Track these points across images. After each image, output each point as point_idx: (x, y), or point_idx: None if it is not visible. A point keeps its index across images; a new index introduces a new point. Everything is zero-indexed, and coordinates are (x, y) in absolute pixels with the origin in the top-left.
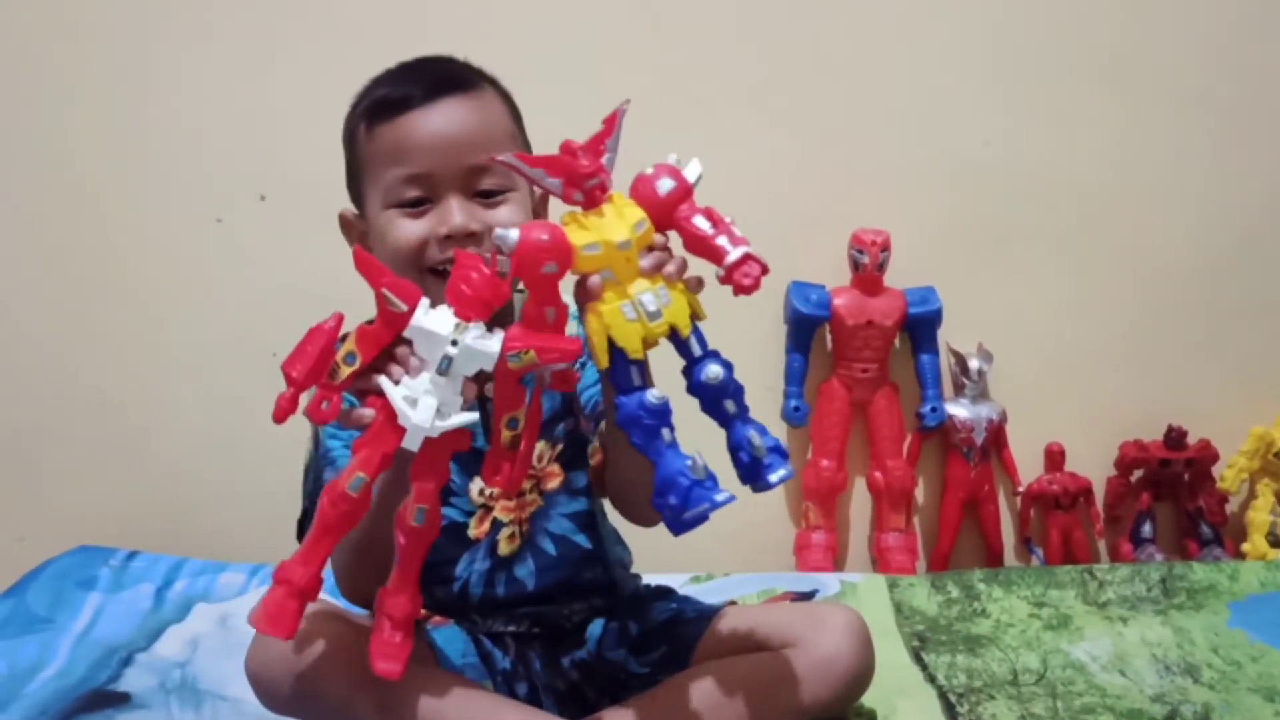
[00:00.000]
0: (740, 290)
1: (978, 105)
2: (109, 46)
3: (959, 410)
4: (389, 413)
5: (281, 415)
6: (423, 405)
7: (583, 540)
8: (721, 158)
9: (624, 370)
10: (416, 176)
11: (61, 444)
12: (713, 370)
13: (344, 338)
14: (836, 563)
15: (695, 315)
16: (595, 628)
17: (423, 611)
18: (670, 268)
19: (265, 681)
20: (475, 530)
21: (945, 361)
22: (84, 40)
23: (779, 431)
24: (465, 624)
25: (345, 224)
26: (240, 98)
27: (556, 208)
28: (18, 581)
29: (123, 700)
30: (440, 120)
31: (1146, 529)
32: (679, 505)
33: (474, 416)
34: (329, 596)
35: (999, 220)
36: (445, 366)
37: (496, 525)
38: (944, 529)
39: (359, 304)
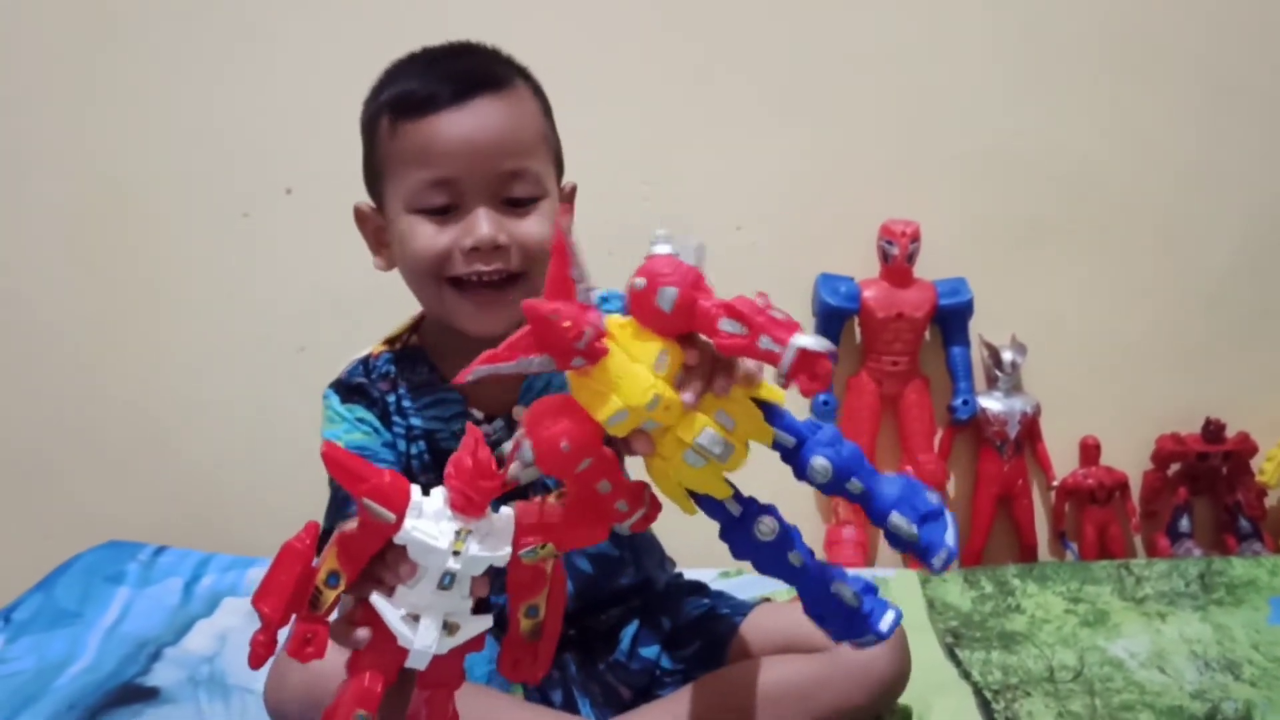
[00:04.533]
0: (809, 392)
1: (1010, 95)
2: (136, 43)
3: (992, 403)
4: (386, 629)
5: (258, 661)
6: (425, 625)
7: (618, 551)
8: (750, 149)
9: (717, 508)
10: (443, 181)
11: (89, 439)
12: (819, 462)
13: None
14: (868, 558)
15: (771, 403)
16: (630, 628)
17: None
18: (719, 384)
19: (285, 712)
20: None
21: (978, 354)
22: (111, 37)
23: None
24: (495, 631)
25: (361, 217)
26: (266, 91)
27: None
28: (46, 576)
29: (152, 694)
30: (471, 123)
31: (1184, 523)
32: (844, 634)
33: (487, 623)
34: None
35: (1032, 210)
36: (448, 582)
37: None
38: (977, 524)
39: (384, 299)
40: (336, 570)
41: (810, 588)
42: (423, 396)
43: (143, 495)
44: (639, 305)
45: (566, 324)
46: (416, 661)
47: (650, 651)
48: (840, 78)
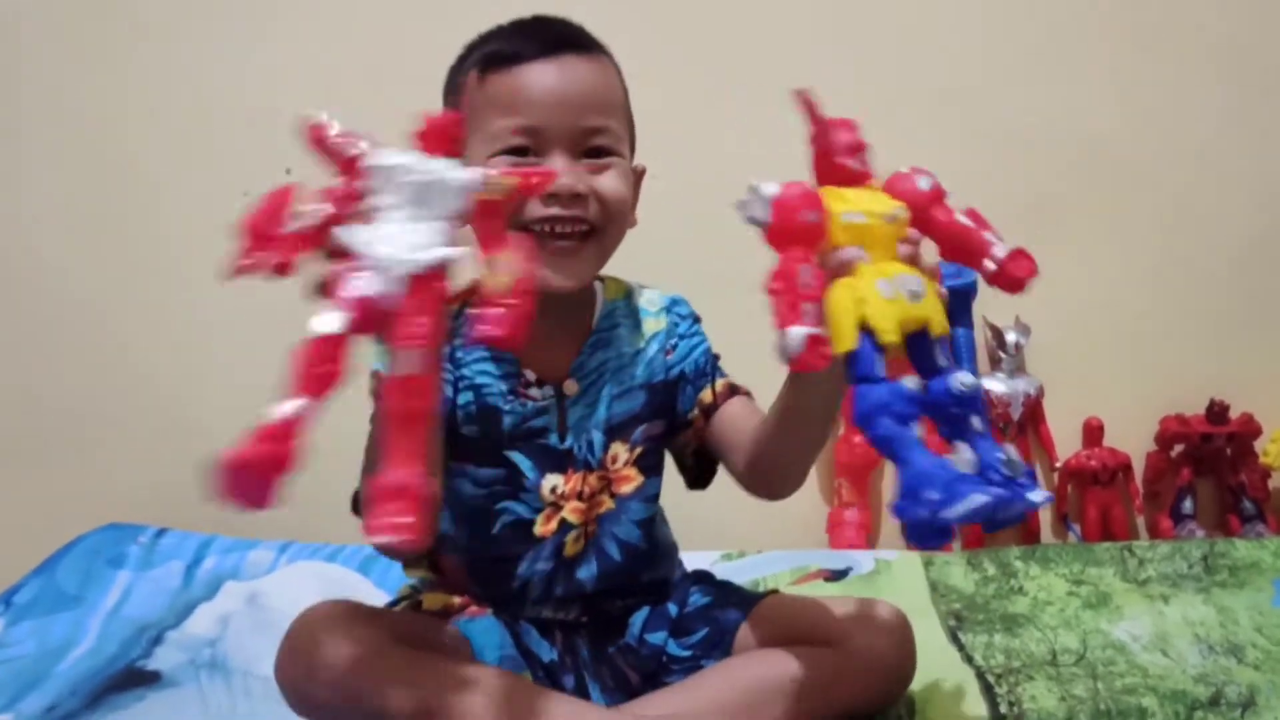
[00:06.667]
0: (1013, 286)
1: (1017, 71)
2: (136, 20)
3: (995, 384)
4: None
5: (234, 272)
6: (393, 241)
7: (647, 545)
8: (754, 129)
9: (870, 357)
10: (526, 128)
11: (89, 421)
12: (966, 378)
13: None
14: (870, 540)
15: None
16: (640, 615)
17: (458, 600)
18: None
19: (298, 690)
20: (541, 528)
21: (981, 335)
22: (112, 14)
23: None
24: (506, 614)
25: None
26: (266, 68)
27: (651, 188)
28: (47, 559)
29: (153, 678)
30: (558, 75)
31: (1187, 505)
32: (939, 501)
33: (461, 250)
34: (364, 597)
35: (1037, 190)
36: (414, 195)
37: (565, 527)
38: None
39: None
40: (313, 207)
41: (922, 459)
42: (478, 349)
43: (144, 477)
44: (899, 180)
45: (862, 138)
46: (383, 282)
47: (657, 638)
48: (845, 57)
